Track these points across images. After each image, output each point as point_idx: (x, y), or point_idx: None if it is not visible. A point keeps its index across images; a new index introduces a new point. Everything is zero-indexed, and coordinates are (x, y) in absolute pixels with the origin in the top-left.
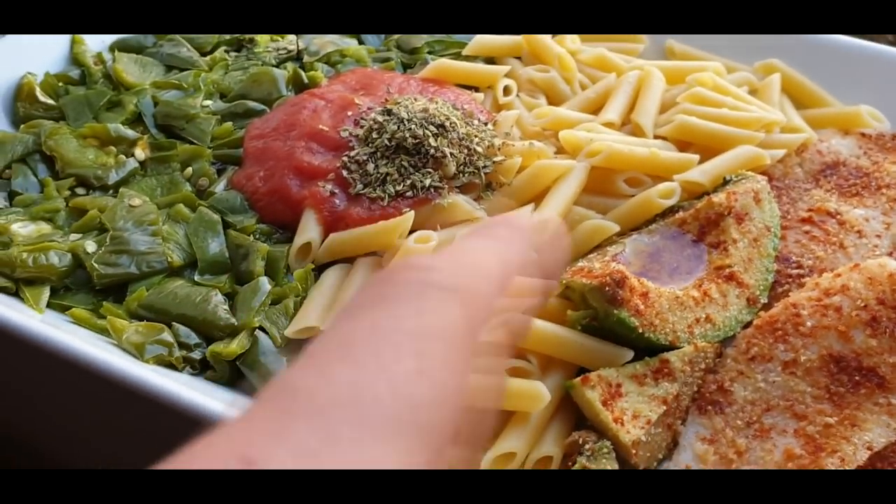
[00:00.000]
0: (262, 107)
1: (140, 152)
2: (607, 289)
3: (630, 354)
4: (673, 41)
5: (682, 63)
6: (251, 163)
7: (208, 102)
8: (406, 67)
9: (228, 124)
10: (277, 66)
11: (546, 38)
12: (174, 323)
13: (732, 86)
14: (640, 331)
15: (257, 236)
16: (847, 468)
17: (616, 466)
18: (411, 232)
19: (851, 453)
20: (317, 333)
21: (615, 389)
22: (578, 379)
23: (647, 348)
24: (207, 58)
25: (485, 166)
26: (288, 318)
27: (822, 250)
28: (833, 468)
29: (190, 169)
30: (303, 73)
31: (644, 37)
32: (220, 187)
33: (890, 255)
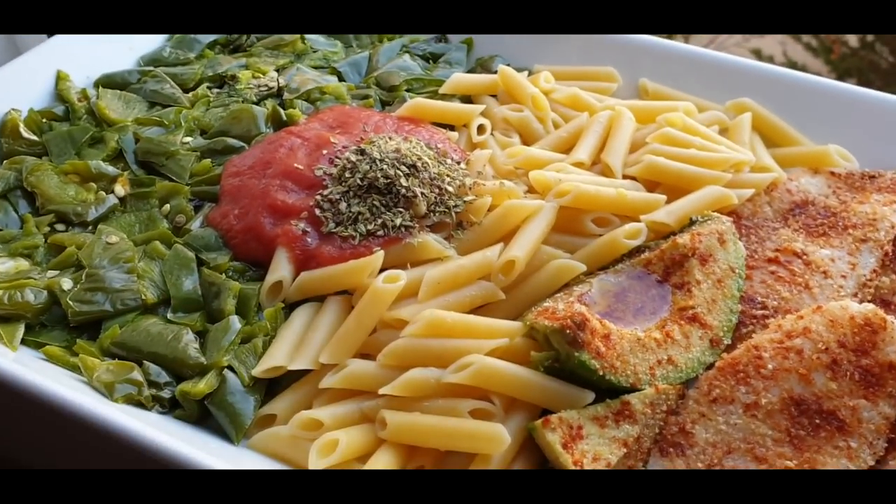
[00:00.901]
0: (241, 143)
1: (120, 188)
2: (568, 331)
3: (591, 396)
4: (646, 80)
5: (653, 103)
6: (227, 200)
7: (188, 139)
8: (385, 105)
9: (207, 161)
10: (258, 102)
11: (521, 78)
12: (145, 361)
13: (702, 126)
14: (601, 373)
15: (230, 274)
16: None
17: None
18: (382, 270)
19: None
20: (282, 372)
21: (576, 431)
22: (540, 421)
23: (608, 390)
24: (190, 94)
25: (455, 205)
26: (256, 357)
27: (788, 291)
28: None
29: (168, 206)
30: (282, 111)
31: (617, 75)
32: (196, 224)
33: (855, 295)
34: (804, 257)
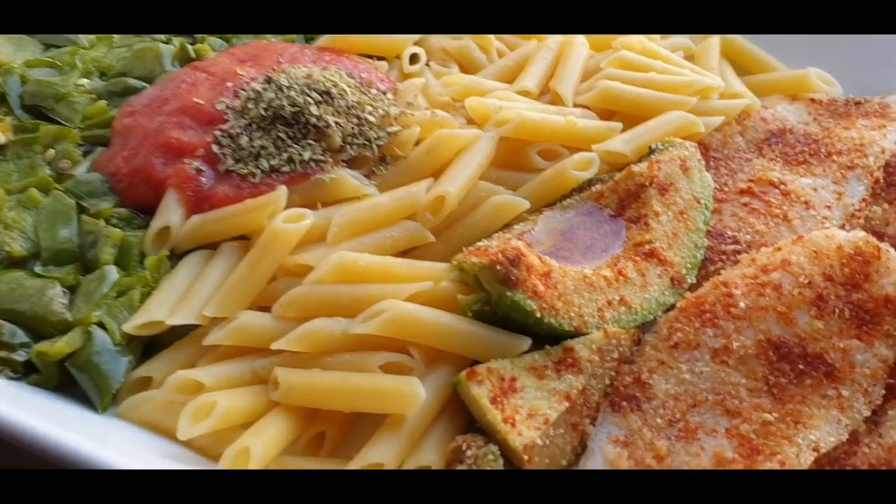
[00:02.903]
0: (143, 84)
1: (0, 135)
2: (499, 267)
3: (527, 343)
4: None
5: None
6: (118, 142)
7: (84, 81)
8: (310, 41)
9: (103, 103)
10: (168, 41)
11: None
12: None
13: (665, 50)
14: (539, 315)
15: (114, 222)
16: None
17: None
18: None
19: (794, 456)
20: (162, 329)
21: (508, 384)
22: (464, 372)
23: (549, 336)
24: (93, 36)
25: (378, 138)
26: (132, 312)
27: (763, 224)
28: None
29: (52, 151)
30: (190, 48)
31: None
32: (82, 170)
33: (842, 227)
34: (782, 187)
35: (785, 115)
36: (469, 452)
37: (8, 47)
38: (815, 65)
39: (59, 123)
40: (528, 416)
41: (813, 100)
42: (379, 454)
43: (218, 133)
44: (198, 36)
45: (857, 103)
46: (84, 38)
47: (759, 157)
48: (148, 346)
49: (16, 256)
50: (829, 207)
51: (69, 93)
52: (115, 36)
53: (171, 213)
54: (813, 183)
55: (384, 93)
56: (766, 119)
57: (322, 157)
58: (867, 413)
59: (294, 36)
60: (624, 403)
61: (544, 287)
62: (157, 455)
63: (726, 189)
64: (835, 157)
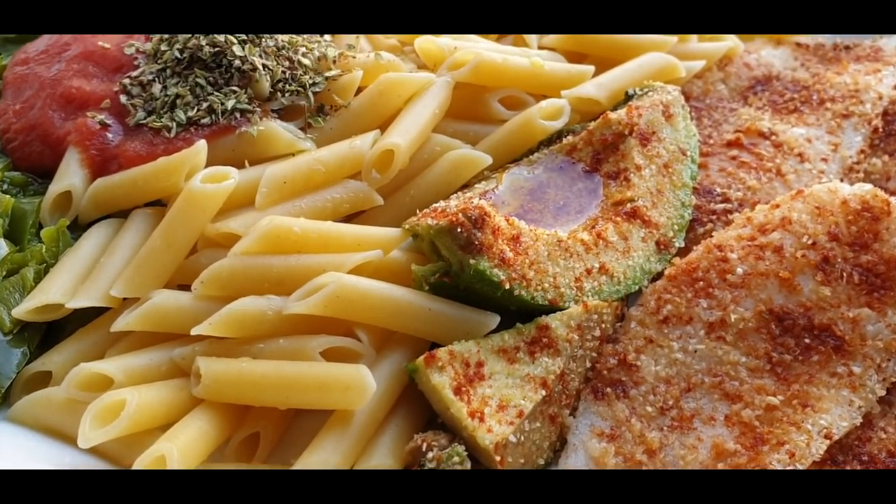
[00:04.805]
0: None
1: None
2: (460, 230)
3: (495, 321)
4: None
5: None
6: (9, 94)
7: None
8: None
9: None
10: None
11: None
12: None
13: None
14: (508, 286)
15: (5, 188)
16: (799, 466)
17: None
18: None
19: (804, 445)
20: (62, 313)
21: (474, 371)
22: (422, 358)
23: (519, 311)
24: None
25: (313, 83)
26: (25, 294)
27: (755, 179)
28: (780, 467)
29: None
30: None
31: None
32: None
33: (840, 181)
34: (773, 138)
35: (770, 60)
36: (430, 454)
37: None
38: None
39: None
40: (499, 408)
41: (799, 44)
42: (323, 458)
43: (126, 81)
44: None
45: (847, 47)
46: None
47: (744, 105)
48: (46, 334)
49: None
50: (825, 160)
51: None
52: None
53: (72, 175)
54: (806, 133)
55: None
56: (750, 64)
57: (248, 107)
58: (881, 392)
59: None
60: (608, 390)
61: (513, 253)
62: (55, 465)
63: (711, 141)
64: (828, 105)
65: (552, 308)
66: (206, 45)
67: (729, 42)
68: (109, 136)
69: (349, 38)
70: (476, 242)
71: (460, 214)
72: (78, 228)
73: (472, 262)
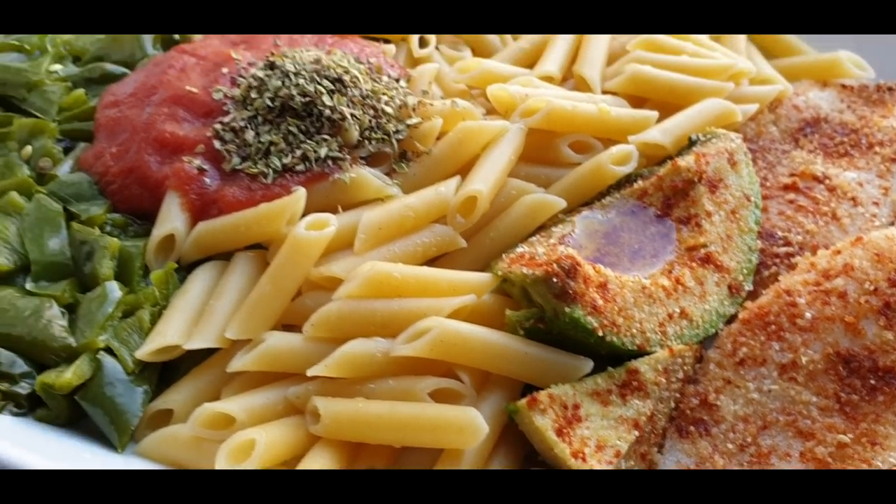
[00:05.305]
0: (123, 70)
1: None
2: (555, 279)
3: (589, 365)
4: None
5: None
6: (103, 137)
7: (57, 67)
8: None
9: (80, 92)
10: None
11: None
12: None
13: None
14: (601, 333)
15: (108, 229)
16: None
17: None
18: (305, 216)
19: None
20: (178, 353)
21: (572, 413)
22: (524, 401)
23: (609, 356)
24: None
25: (397, 131)
26: (143, 336)
27: (813, 223)
28: None
29: (29, 147)
30: None
31: None
32: (65, 169)
33: (892, 224)
34: (826, 182)
35: (818, 102)
36: None
37: None
38: (840, 47)
39: (33, 115)
40: (597, 448)
41: (844, 86)
42: None
43: (218, 127)
44: None
45: (891, 89)
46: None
47: (796, 148)
48: (162, 371)
49: (2, 271)
50: (876, 204)
51: (41, 80)
52: None
53: (173, 219)
54: (858, 177)
55: (397, 80)
56: (799, 106)
57: (339, 154)
58: None
59: None
60: (691, 428)
61: (603, 301)
62: None
63: (768, 184)
64: (877, 149)
65: (639, 352)
66: (297, 94)
67: (779, 86)
68: (207, 180)
69: (423, 84)
70: (570, 291)
71: (555, 265)
72: (180, 269)
73: (567, 310)
